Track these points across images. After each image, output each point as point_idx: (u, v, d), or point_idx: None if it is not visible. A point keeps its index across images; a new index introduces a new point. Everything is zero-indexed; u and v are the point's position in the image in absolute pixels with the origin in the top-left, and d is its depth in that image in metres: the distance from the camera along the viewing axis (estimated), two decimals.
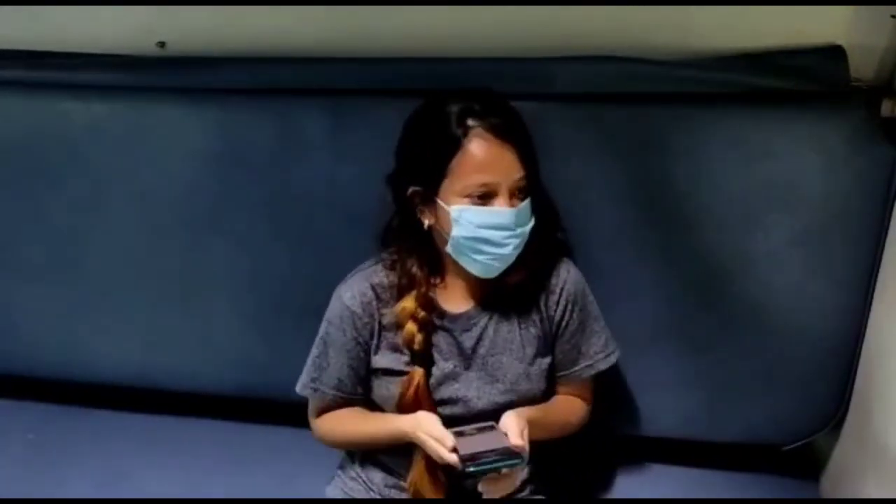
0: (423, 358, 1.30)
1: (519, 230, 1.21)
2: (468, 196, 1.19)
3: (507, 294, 1.31)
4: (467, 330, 1.32)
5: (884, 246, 1.36)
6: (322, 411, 1.39)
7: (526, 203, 1.22)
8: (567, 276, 1.33)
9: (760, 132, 1.37)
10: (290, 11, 1.40)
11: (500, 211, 1.19)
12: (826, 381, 1.46)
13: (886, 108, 1.34)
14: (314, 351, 1.36)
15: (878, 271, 1.38)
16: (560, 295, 1.32)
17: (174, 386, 1.71)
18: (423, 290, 1.28)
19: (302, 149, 1.50)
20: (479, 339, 1.32)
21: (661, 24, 1.35)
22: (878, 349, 1.38)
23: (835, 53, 1.32)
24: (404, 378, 1.30)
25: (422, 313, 1.28)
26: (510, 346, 1.32)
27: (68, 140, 1.59)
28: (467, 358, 1.32)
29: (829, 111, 1.35)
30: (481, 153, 1.18)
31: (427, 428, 1.21)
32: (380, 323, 1.31)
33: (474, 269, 1.25)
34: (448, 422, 1.30)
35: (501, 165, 1.19)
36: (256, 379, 1.65)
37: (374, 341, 1.32)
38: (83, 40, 1.52)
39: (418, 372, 1.29)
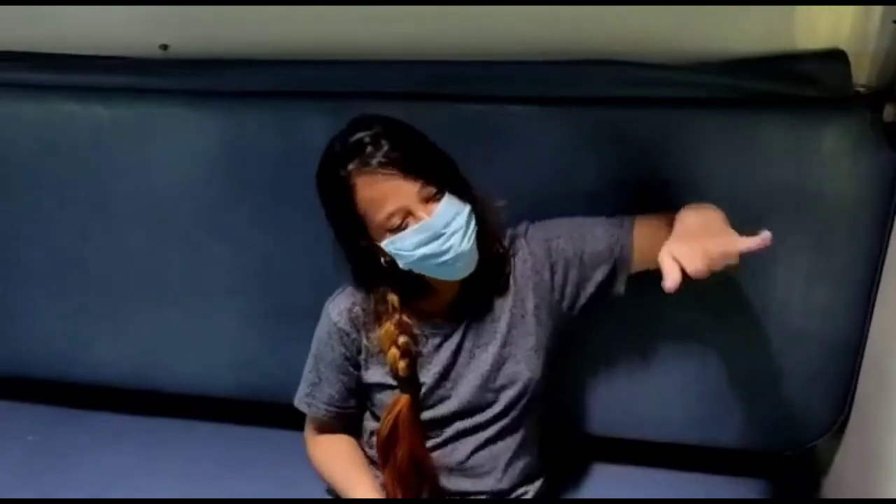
0: (409, 384, 1.31)
1: (450, 229, 1.19)
2: (390, 230, 1.19)
3: (487, 286, 1.31)
4: (452, 333, 1.32)
5: (886, 251, 1.36)
6: (317, 426, 1.41)
7: (443, 201, 1.19)
8: (525, 239, 1.34)
9: (762, 137, 1.37)
10: (293, 14, 1.41)
11: (422, 225, 1.18)
12: (828, 386, 1.45)
13: (889, 112, 1.33)
14: (307, 366, 1.37)
15: (880, 276, 1.37)
16: (535, 259, 1.32)
17: (175, 388, 1.71)
18: (399, 316, 1.28)
19: (305, 151, 1.48)
20: (465, 335, 1.32)
21: (662, 28, 1.35)
22: (880, 354, 1.37)
23: (837, 58, 1.31)
24: (389, 403, 1.31)
25: (402, 338, 1.28)
26: (494, 335, 1.32)
27: (70, 142, 1.59)
28: (455, 355, 1.32)
29: (832, 116, 1.34)
30: (369, 193, 1.18)
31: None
32: (369, 341, 1.32)
33: (445, 277, 1.25)
34: (439, 422, 1.34)
35: (394, 192, 1.17)
36: (258, 382, 1.65)
37: (363, 356, 1.33)
38: (85, 42, 1.52)
39: (403, 399, 1.30)
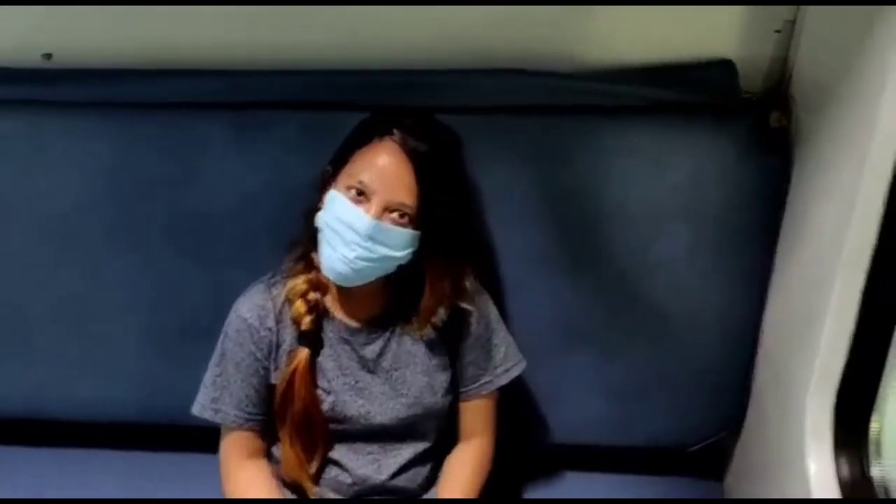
0: (311, 340, 1.28)
1: (371, 244, 1.17)
2: (348, 188, 1.18)
3: (409, 306, 1.30)
4: (369, 343, 1.31)
5: (775, 251, 1.41)
6: (234, 443, 1.34)
7: (400, 230, 1.19)
8: (469, 290, 1.33)
9: (660, 143, 1.40)
10: (184, 21, 1.37)
11: (359, 213, 1.17)
12: (727, 383, 1.50)
13: (775, 118, 1.39)
14: (213, 370, 1.31)
15: (770, 276, 1.43)
16: (467, 313, 1.32)
17: (73, 416, 1.62)
18: (315, 274, 1.27)
19: (202, 164, 1.45)
20: (382, 353, 1.31)
21: (557, 38, 1.37)
22: (772, 351, 1.43)
23: (725, 67, 1.37)
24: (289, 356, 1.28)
25: (312, 294, 1.27)
26: (414, 358, 1.31)
27: None
28: (370, 372, 1.31)
29: (722, 123, 1.39)
30: (377, 157, 1.18)
31: None
32: (278, 338, 1.28)
33: (325, 263, 1.21)
34: (350, 437, 1.32)
35: (388, 178, 1.17)
36: (162, 404, 1.57)
37: (274, 355, 1.29)
38: None
39: (303, 352, 1.27)
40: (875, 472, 1.21)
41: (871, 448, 1.22)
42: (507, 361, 1.37)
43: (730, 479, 1.60)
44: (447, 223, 1.23)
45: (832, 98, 1.22)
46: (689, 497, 1.57)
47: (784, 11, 1.33)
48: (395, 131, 1.19)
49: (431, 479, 1.39)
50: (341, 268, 1.19)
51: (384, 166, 1.17)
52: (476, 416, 1.39)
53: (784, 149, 1.37)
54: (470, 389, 1.36)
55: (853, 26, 1.13)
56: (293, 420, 1.29)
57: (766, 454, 1.43)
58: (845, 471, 1.22)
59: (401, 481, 1.35)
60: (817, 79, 1.29)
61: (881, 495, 1.19)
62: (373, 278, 1.23)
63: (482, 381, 1.36)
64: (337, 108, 1.38)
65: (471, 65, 1.38)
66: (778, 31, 1.35)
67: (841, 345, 1.21)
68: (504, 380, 1.37)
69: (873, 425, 1.22)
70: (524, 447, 1.57)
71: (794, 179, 1.36)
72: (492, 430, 1.41)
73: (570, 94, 1.39)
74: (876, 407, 1.21)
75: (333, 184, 1.21)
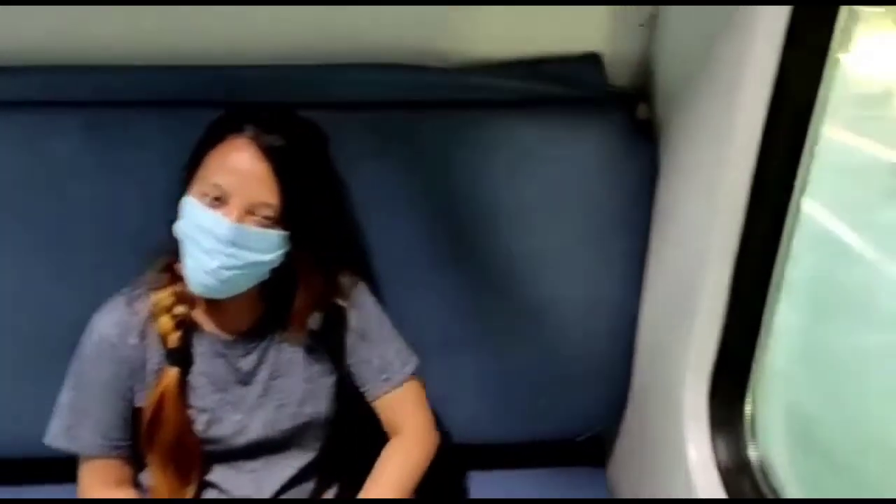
0: (180, 357, 1.20)
1: (235, 250, 1.10)
2: (203, 194, 1.11)
3: (285, 311, 1.24)
4: (246, 354, 1.24)
5: (649, 242, 1.44)
6: (95, 474, 1.23)
7: (266, 231, 1.12)
8: (350, 291, 1.29)
9: (536, 137, 1.41)
10: (34, 13, 1.27)
11: (217, 218, 1.09)
12: (610, 373, 1.52)
13: (642, 110, 1.43)
14: (68, 393, 1.21)
15: (645, 268, 1.46)
16: (343, 310, 1.28)
17: None
18: (180, 287, 1.18)
19: (56, 166, 1.33)
20: (260, 363, 1.24)
21: (436, 33, 1.36)
22: (649, 341, 1.46)
23: (592, 61, 1.40)
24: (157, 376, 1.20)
25: (179, 308, 1.19)
26: (294, 366, 1.26)
27: None
28: (246, 384, 1.24)
29: (592, 116, 1.41)
30: (230, 156, 1.11)
31: None
32: (143, 356, 1.20)
33: (189, 275, 1.14)
34: (229, 456, 1.25)
35: (244, 178, 1.10)
36: (20, 434, 1.42)
37: (139, 375, 1.20)
38: None
39: (172, 371, 1.19)
40: (752, 453, 1.26)
41: (747, 430, 1.26)
42: (401, 354, 1.32)
43: (612, 466, 1.64)
44: (315, 220, 1.18)
45: (694, 91, 1.25)
46: (574, 486, 1.60)
47: (649, 6, 1.37)
48: (247, 127, 1.12)
49: (318, 494, 1.34)
50: (205, 279, 1.12)
51: (239, 165, 1.10)
52: (397, 410, 1.31)
53: (651, 140, 1.41)
54: (373, 387, 1.30)
55: (712, 20, 1.16)
56: (163, 444, 1.21)
57: (646, 440, 1.46)
58: (723, 453, 1.26)
59: (291, 494, 1.29)
60: (680, 72, 1.32)
61: (758, 476, 1.24)
62: (245, 288, 1.16)
63: (383, 377, 1.30)
64: (201, 106, 1.29)
65: (342, 60, 1.35)
66: (642, 26, 1.38)
67: (713, 330, 1.25)
68: (401, 376, 1.30)
69: (747, 408, 1.27)
70: None
71: (662, 170, 1.40)
72: (418, 418, 1.32)
73: (441, 89, 1.38)
74: (749, 390, 1.27)
75: (189, 189, 1.13)
